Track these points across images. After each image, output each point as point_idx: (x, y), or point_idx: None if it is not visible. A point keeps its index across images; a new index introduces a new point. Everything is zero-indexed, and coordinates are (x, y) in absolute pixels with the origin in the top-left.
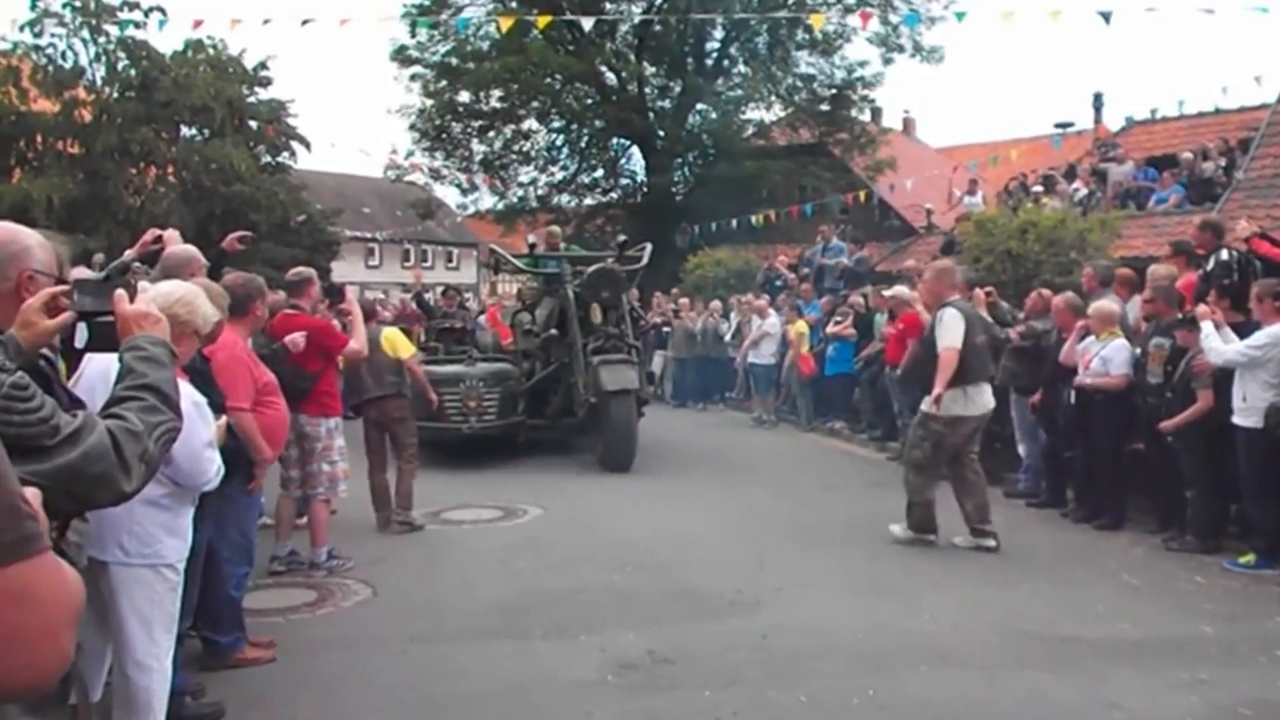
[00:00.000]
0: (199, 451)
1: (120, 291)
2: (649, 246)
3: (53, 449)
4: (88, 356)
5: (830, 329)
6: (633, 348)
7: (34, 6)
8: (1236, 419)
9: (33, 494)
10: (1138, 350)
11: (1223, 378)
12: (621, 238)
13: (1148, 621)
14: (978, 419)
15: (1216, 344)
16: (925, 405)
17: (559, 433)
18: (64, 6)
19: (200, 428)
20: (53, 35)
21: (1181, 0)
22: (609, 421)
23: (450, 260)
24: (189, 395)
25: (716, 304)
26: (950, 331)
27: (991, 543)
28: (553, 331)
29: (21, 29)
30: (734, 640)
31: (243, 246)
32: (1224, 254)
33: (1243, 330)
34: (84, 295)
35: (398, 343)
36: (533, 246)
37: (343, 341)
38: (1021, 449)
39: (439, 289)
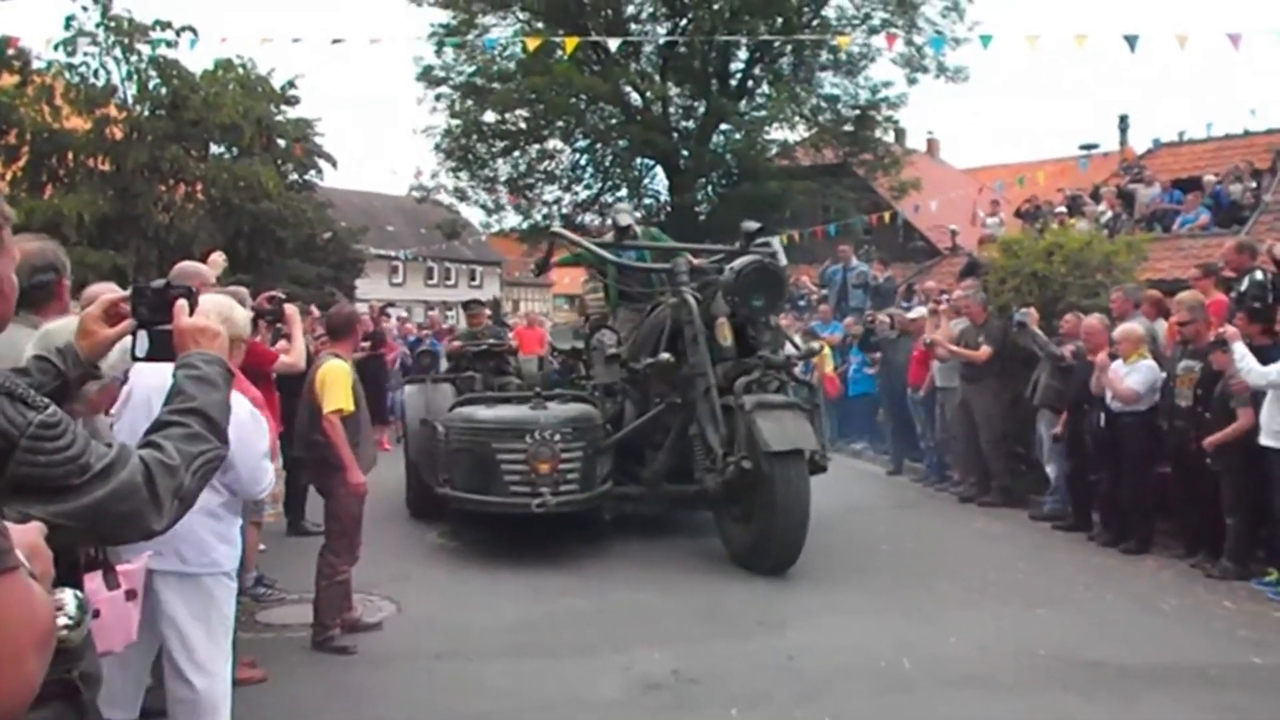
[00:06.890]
0: (257, 462)
1: (181, 302)
2: (776, 241)
3: (80, 487)
4: (135, 369)
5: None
6: (804, 384)
7: (68, 26)
8: (1267, 440)
9: (35, 527)
10: (1163, 374)
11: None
12: (753, 225)
13: (1177, 645)
14: None
15: (1254, 364)
16: None
17: (658, 505)
18: (98, 26)
19: (258, 438)
20: (85, 54)
21: (1208, 26)
22: (773, 498)
23: (474, 278)
24: (246, 406)
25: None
26: None
27: None
28: (664, 357)
29: (56, 48)
30: (760, 660)
31: (271, 307)
32: (1258, 274)
33: (1272, 352)
34: (143, 303)
35: (329, 386)
36: (624, 230)
37: (271, 358)
38: (1050, 469)
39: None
